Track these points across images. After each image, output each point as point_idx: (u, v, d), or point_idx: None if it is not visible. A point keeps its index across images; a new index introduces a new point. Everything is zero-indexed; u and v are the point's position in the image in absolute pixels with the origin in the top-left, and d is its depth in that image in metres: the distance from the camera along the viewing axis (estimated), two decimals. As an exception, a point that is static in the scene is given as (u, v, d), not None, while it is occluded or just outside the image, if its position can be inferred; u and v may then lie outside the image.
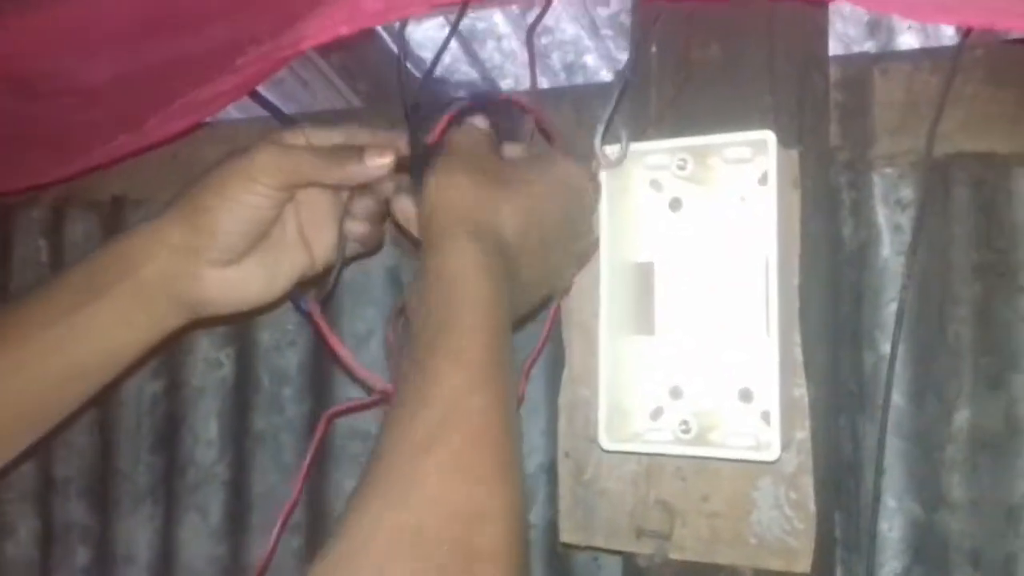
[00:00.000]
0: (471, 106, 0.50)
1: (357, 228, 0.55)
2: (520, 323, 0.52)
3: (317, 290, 0.57)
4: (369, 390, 0.51)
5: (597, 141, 0.49)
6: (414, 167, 0.50)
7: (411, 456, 0.38)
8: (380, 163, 0.51)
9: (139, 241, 0.54)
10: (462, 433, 0.39)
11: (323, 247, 0.56)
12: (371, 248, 0.58)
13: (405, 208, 0.50)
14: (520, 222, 0.47)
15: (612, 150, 0.50)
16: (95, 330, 0.54)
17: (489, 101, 0.52)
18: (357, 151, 0.52)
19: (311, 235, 0.56)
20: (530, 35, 0.54)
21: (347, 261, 0.58)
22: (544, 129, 0.55)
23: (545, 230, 0.48)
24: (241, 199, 0.52)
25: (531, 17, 0.59)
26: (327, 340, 0.52)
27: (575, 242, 0.51)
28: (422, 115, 0.51)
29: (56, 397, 0.56)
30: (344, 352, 0.51)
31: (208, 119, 0.71)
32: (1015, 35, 0.56)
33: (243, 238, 0.53)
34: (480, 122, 0.51)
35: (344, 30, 0.50)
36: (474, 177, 0.47)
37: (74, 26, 0.66)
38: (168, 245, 0.53)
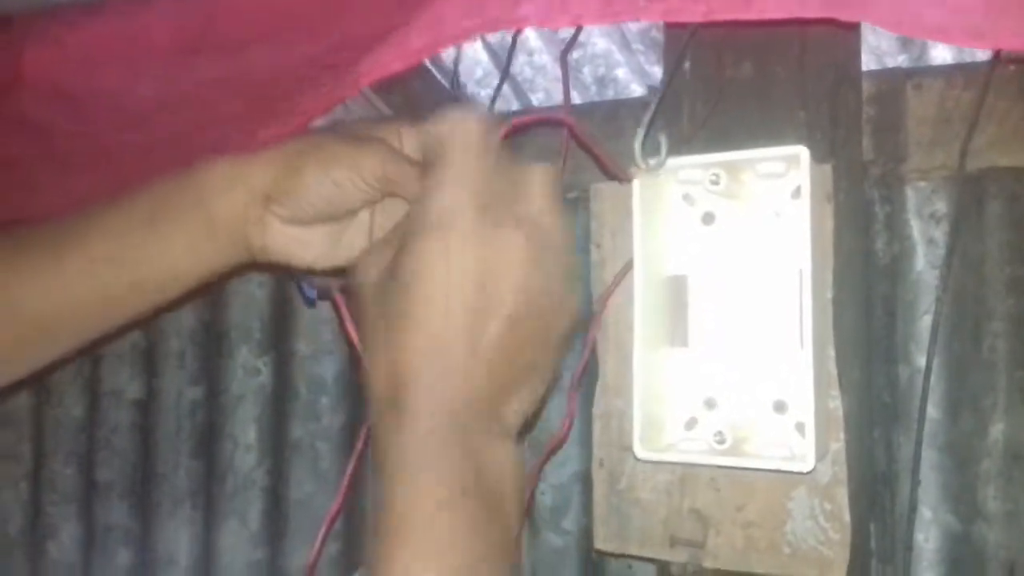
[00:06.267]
0: (527, 123, 0.49)
1: None
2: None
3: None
4: None
5: (637, 146, 0.49)
6: None
7: None
8: None
9: (221, 171, 0.55)
10: None
11: None
12: None
13: None
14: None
15: (651, 159, 0.50)
16: (161, 250, 0.55)
17: (544, 120, 0.52)
18: None
19: (381, 223, 0.56)
20: (564, 57, 0.55)
21: None
22: (592, 151, 0.53)
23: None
24: (340, 183, 0.53)
25: (562, 32, 0.59)
26: (345, 326, 0.52)
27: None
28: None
29: (112, 307, 0.57)
30: (358, 339, 0.51)
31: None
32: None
33: (320, 212, 0.54)
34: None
35: (397, 67, 0.52)
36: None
37: (120, 43, 0.68)
38: (247, 185, 0.54)
